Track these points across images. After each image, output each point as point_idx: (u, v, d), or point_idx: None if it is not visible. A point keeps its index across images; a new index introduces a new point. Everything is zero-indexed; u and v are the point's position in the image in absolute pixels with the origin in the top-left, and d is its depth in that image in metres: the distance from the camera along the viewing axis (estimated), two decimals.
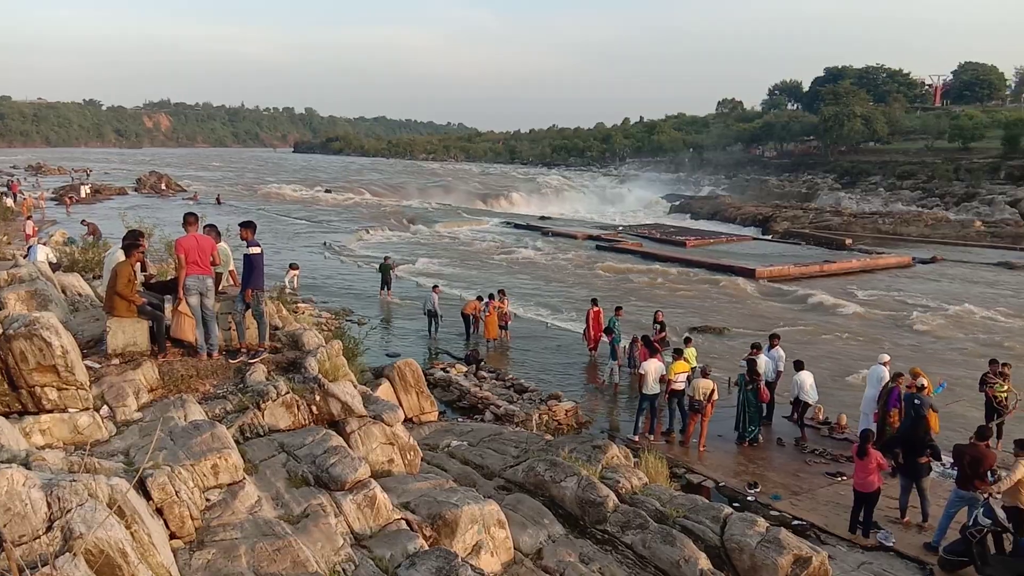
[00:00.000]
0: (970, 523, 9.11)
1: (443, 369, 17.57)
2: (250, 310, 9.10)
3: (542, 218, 58.30)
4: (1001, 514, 9.12)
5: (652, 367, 14.04)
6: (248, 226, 9.17)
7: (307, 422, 7.67)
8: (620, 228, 50.31)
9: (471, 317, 21.41)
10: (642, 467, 9.92)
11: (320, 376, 8.24)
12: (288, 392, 7.71)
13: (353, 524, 5.97)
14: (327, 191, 74.07)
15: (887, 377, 13.16)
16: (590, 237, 45.33)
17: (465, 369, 17.61)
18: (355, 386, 8.83)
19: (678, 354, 14.47)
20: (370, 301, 26.39)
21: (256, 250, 9.08)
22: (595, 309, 19.66)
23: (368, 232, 46.63)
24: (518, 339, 21.56)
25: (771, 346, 15.48)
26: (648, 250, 40.33)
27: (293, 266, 25.88)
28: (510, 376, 17.44)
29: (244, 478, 6.05)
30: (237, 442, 6.74)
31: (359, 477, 6.31)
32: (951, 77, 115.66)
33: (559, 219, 58.90)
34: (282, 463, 6.67)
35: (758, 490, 11.82)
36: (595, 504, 7.92)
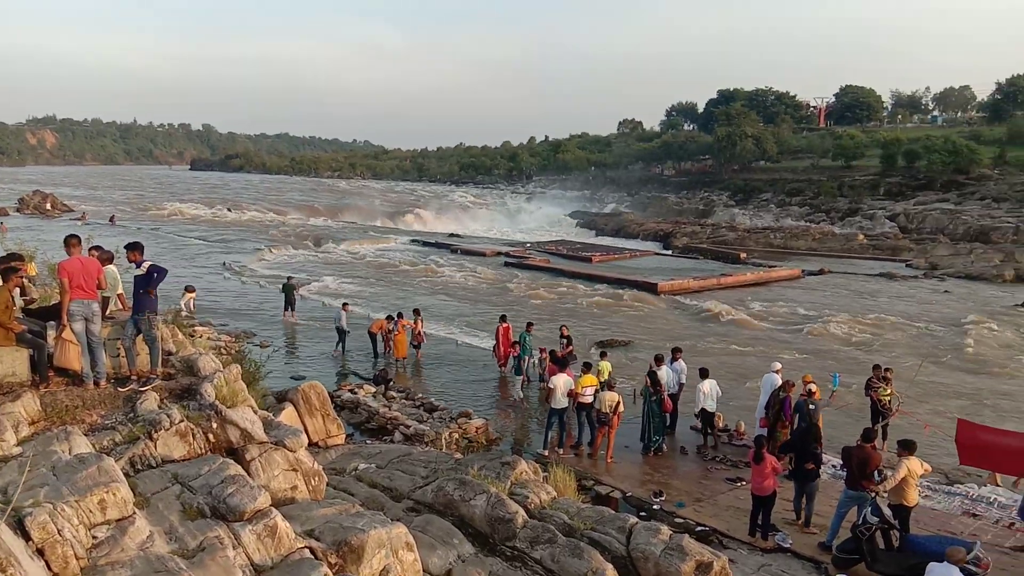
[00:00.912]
0: (859, 521, 9.61)
1: (351, 390, 17.23)
2: (141, 335, 8.69)
3: (451, 235, 58.34)
4: (887, 512, 9.68)
5: (560, 381, 14.22)
6: (135, 248, 8.79)
7: (203, 451, 7.34)
8: (528, 245, 50.88)
9: (378, 336, 21.14)
10: (551, 481, 9.97)
11: (217, 403, 7.91)
12: (182, 420, 7.37)
13: (253, 556, 5.75)
14: (228, 210, 71.80)
15: (779, 384, 13.76)
16: (499, 254, 45.65)
17: (374, 390, 17.33)
18: (255, 411, 8.52)
19: (587, 368, 14.70)
20: (273, 323, 25.66)
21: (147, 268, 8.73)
22: (504, 325, 19.76)
23: (271, 251, 45.40)
24: (428, 358, 21.41)
25: (673, 359, 15.91)
26: (556, 266, 40.97)
27: (189, 288, 24.86)
28: (420, 395, 17.29)
29: (134, 512, 5.74)
30: (127, 475, 6.39)
31: (259, 506, 6.09)
32: (833, 99, 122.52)
33: (468, 236, 59.04)
34: (176, 495, 6.36)
35: (663, 498, 12.11)
36: (504, 521, 7.91)
